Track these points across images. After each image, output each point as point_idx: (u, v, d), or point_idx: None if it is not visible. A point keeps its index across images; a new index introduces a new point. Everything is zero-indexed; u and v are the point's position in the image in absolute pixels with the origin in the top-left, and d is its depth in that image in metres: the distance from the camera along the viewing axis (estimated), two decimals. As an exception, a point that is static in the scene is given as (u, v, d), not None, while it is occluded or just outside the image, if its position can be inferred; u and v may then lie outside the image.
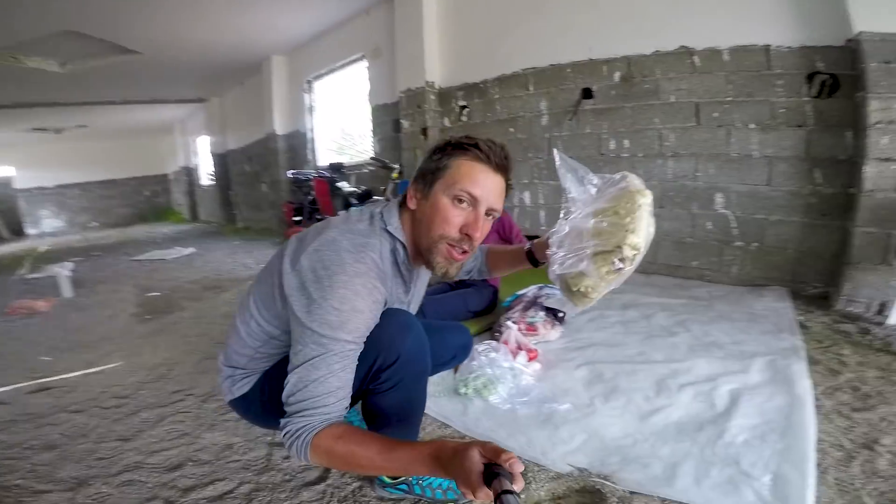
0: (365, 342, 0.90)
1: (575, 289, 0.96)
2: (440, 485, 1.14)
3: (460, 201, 0.94)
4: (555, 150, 1.06)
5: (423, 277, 1.23)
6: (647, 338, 2.17)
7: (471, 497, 0.67)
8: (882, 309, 2.41)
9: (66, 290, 4.10)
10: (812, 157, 2.75)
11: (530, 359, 1.87)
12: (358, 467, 0.84)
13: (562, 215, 1.02)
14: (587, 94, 3.50)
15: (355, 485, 1.22)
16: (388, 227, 0.99)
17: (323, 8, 5.16)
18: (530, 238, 2.59)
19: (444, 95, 4.55)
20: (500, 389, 1.61)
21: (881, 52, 2.37)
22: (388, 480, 1.15)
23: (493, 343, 1.84)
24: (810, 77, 2.72)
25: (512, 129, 4.03)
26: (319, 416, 0.83)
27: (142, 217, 13.63)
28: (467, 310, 2.35)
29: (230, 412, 1.55)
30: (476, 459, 0.67)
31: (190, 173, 12.16)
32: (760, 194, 2.93)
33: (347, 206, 5.11)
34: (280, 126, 7.19)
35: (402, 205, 1.03)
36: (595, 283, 0.94)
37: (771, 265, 2.93)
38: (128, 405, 1.84)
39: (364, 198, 5.21)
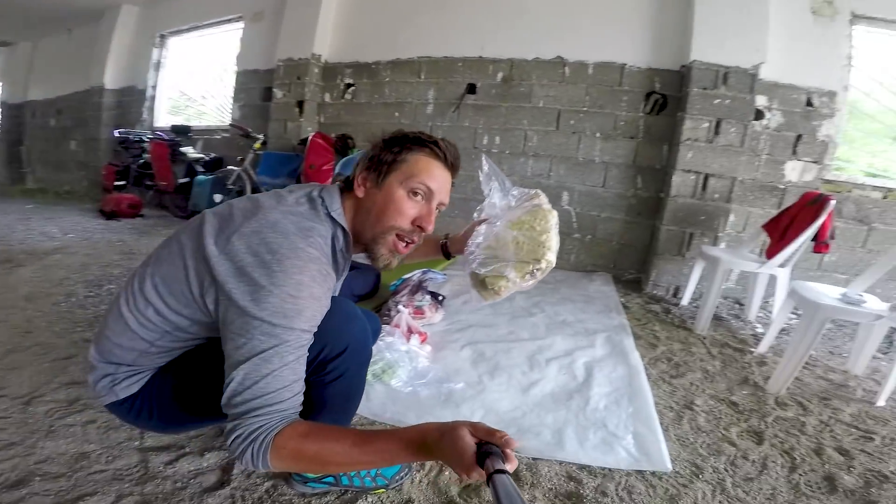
0: None
1: (490, 287, 1.03)
2: (368, 471, 1.07)
3: (415, 194, 0.92)
4: (483, 156, 1.12)
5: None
6: (512, 318, 2.34)
7: (465, 478, 0.63)
8: (677, 292, 3.03)
9: None
10: (637, 165, 3.23)
11: (422, 341, 1.88)
12: (332, 465, 0.75)
13: (476, 216, 1.11)
14: (471, 89, 3.58)
15: (267, 484, 1.08)
16: (332, 213, 0.90)
17: None
18: None
19: (330, 70, 4.21)
20: (399, 373, 1.58)
21: (703, 79, 2.86)
22: (310, 475, 1.04)
23: (387, 327, 1.79)
24: (648, 95, 3.17)
25: (397, 114, 3.92)
26: (277, 415, 0.72)
27: None
28: (352, 293, 2.26)
29: (68, 415, 1.29)
30: (468, 439, 0.64)
31: None
32: (597, 194, 3.35)
33: (192, 173, 4.49)
34: (111, 80, 6.00)
35: (343, 190, 0.95)
36: (509, 286, 1.03)
37: (599, 254, 3.40)
38: None
39: (214, 166, 4.63)
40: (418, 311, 2.11)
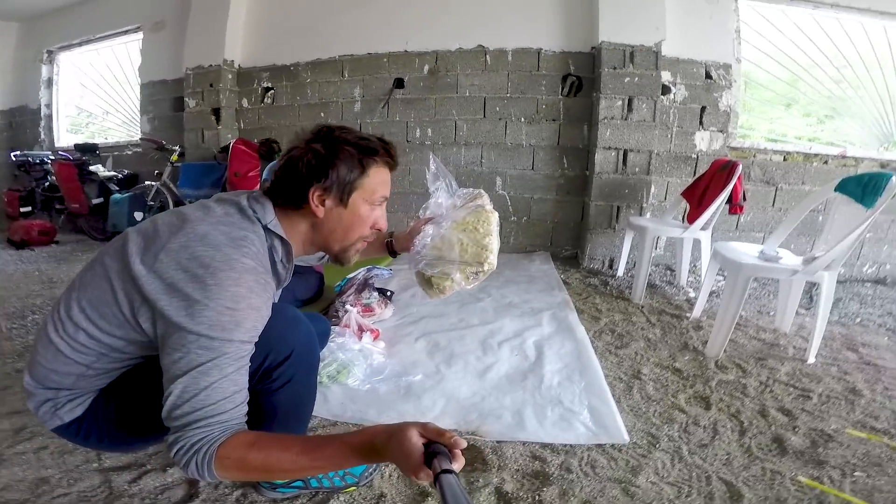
0: None
1: (436, 287, 1.09)
2: (336, 472, 1.06)
3: (374, 206, 0.96)
4: (431, 155, 1.16)
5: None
6: (461, 305, 2.35)
7: (414, 479, 0.63)
8: (612, 264, 3.18)
9: None
10: (562, 147, 3.34)
11: (374, 338, 1.87)
12: (280, 473, 0.74)
13: (421, 214, 1.16)
14: (399, 83, 3.50)
15: (237, 493, 1.05)
16: (267, 224, 0.88)
17: None
18: None
19: (245, 75, 3.96)
20: (355, 371, 1.56)
21: (612, 59, 2.98)
22: (278, 482, 1.02)
23: (336, 328, 1.76)
24: (564, 78, 3.27)
25: (323, 115, 3.76)
26: (218, 426, 0.71)
27: None
28: (295, 298, 2.16)
29: (18, 442, 1.26)
30: (416, 440, 0.64)
31: None
32: (527, 177, 3.43)
33: (106, 192, 4.14)
34: None
35: (281, 206, 0.91)
36: (453, 286, 1.10)
37: (536, 234, 3.49)
38: None
39: (129, 183, 4.30)
40: (367, 309, 2.09)
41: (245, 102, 4.03)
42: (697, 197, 2.59)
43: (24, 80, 5.37)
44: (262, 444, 0.71)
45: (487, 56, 3.36)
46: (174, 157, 3.89)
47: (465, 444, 0.65)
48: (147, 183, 3.99)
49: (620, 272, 2.98)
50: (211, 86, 3.87)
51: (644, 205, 3.11)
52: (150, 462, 1.17)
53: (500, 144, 3.43)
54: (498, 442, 1.25)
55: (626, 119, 3.03)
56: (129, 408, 0.88)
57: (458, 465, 0.61)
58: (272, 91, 3.92)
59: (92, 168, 4.25)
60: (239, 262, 0.77)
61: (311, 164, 0.87)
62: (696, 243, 2.70)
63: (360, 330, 1.85)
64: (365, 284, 2.23)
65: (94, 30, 4.80)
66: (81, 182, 4.18)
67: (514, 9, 3.29)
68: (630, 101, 3.01)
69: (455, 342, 1.91)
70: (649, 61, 2.98)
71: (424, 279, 1.11)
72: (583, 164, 3.32)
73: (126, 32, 4.60)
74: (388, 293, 2.33)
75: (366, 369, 1.60)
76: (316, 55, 3.75)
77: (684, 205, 2.83)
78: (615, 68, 2.99)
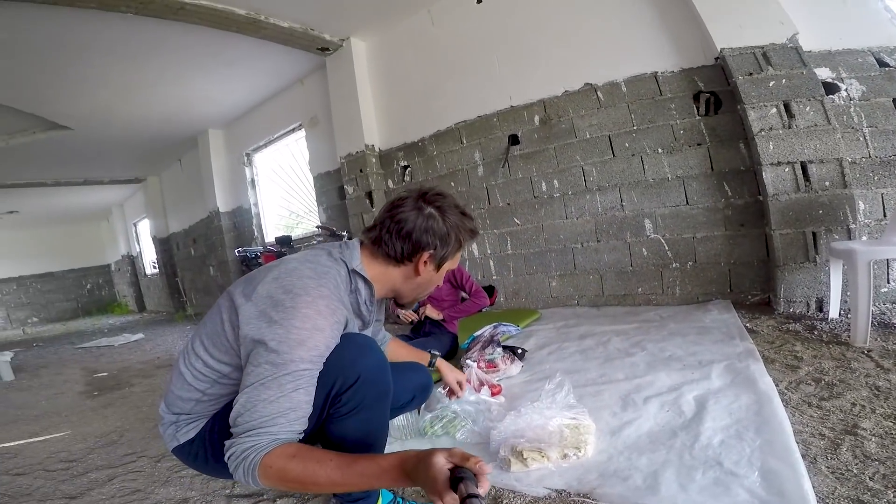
0: (324, 365, 0.88)
1: (527, 458, 1.23)
2: None
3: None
4: (559, 375, 1.56)
5: (377, 314, 1.25)
6: (605, 361, 2.10)
7: (439, 503, 0.65)
8: (821, 305, 2.44)
9: (6, 374, 3.94)
10: (717, 172, 2.88)
11: (493, 394, 1.81)
12: (315, 486, 0.77)
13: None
14: (514, 140, 3.60)
15: None
16: (354, 267, 1.02)
17: (256, 80, 5.11)
18: (484, 288, 2.59)
19: (386, 157, 4.54)
20: (466, 425, 1.54)
21: (744, 66, 2.60)
22: None
23: None
24: (696, 97, 2.92)
25: (453, 184, 4.04)
26: (267, 437, 0.78)
27: (85, 311, 12.57)
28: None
29: (185, 469, 1.53)
30: (442, 465, 0.67)
31: (133, 262, 11.28)
32: (683, 214, 3.01)
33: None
34: (223, 203, 6.71)
35: (368, 251, 1.08)
36: (542, 460, 1.22)
37: (709, 280, 2.95)
38: (76, 468, 1.76)
39: None
40: (491, 365, 2.06)
41: (390, 183, 4.55)
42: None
43: (236, 182, 6.48)
44: (302, 456, 0.77)
45: (598, 93, 3.26)
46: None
47: (490, 470, 0.71)
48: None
49: (834, 313, 2.30)
50: (361, 171, 4.49)
51: (851, 226, 2.41)
52: (267, 493, 1.32)
53: (641, 182, 3.14)
54: None
55: (789, 127, 2.51)
56: (227, 434, 0.95)
57: (483, 489, 0.63)
58: (409, 168, 4.37)
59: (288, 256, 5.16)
60: (315, 289, 0.89)
61: (432, 231, 1.03)
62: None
63: (481, 385, 1.82)
64: (490, 341, 2.24)
65: (271, 130, 5.78)
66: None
67: (610, 39, 3.19)
68: (787, 106, 2.52)
69: (588, 398, 1.69)
70: (791, 59, 2.53)
71: (514, 452, 1.25)
72: (751, 187, 2.80)
73: (293, 131, 5.60)
74: (520, 350, 2.27)
75: (480, 424, 1.55)
76: (435, 128, 4.12)
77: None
78: (751, 74, 2.59)
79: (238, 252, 5.64)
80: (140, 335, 6.14)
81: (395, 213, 1.02)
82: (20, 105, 4.66)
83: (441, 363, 1.55)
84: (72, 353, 5.37)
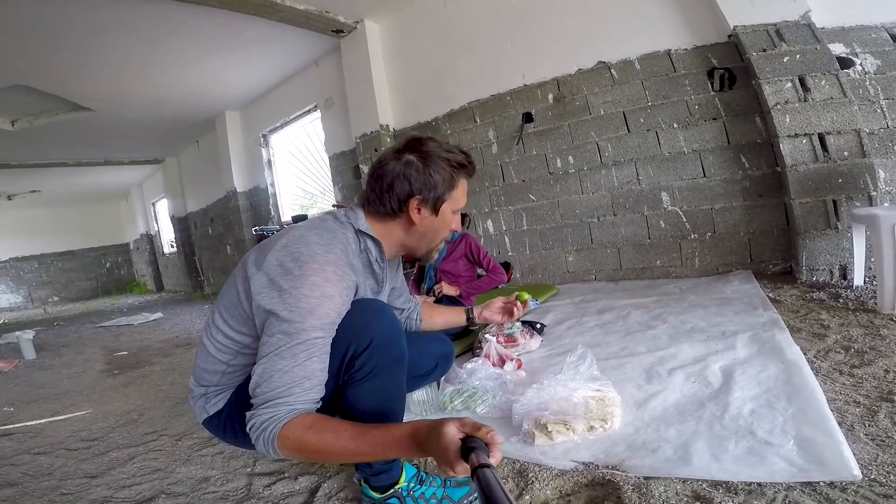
0: (337, 331, 0.87)
1: (551, 430, 1.20)
2: (434, 494, 1.05)
3: (455, 213, 1.09)
4: (588, 351, 1.51)
5: (393, 274, 1.23)
6: (626, 334, 2.08)
7: (451, 473, 0.65)
8: (844, 272, 2.38)
9: (29, 353, 3.99)
10: (734, 145, 2.84)
11: (517, 367, 1.79)
12: (331, 456, 0.79)
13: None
14: (528, 118, 3.56)
15: None
16: (359, 227, 1.01)
17: (272, 62, 5.11)
18: (500, 265, 2.58)
19: (400, 137, 4.49)
20: (487, 399, 1.51)
21: (757, 42, 2.58)
22: (376, 496, 1.05)
23: (475, 359, 1.76)
24: (710, 73, 2.87)
25: None
26: (285, 407, 0.79)
27: (104, 290, 12.68)
28: (445, 332, 2.20)
29: (206, 447, 1.55)
30: (453, 434, 0.67)
31: (151, 241, 11.32)
32: (700, 186, 2.96)
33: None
34: (240, 183, 6.75)
35: (379, 214, 1.04)
36: (568, 433, 1.20)
37: (728, 251, 2.91)
38: (97, 446, 1.76)
39: None
40: (510, 339, 2.03)
41: (405, 163, 4.54)
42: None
43: (253, 163, 6.50)
44: (319, 426, 0.78)
45: (612, 70, 3.20)
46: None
47: (502, 440, 0.68)
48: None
49: (859, 280, 2.25)
50: (375, 150, 4.48)
51: (872, 193, 2.36)
52: (289, 470, 1.31)
53: (657, 157, 3.09)
54: (645, 478, 0.99)
55: (804, 101, 2.47)
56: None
57: (495, 459, 0.63)
58: (423, 147, 4.34)
59: None
60: (322, 255, 0.88)
61: (411, 177, 0.99)
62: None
63: (502, 360, 1.80)
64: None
65: (287, 111, 5.78)
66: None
67: (622, 18, 3.14)
68: (802, 80, 2.48)
69: (611, 371, 1.66)
70: (805, 36, 2.51)
71: (538, 425, 1.22)
72: (768, 159, 2.75)
73: (308, 112, 5.61)
74: (539, 325, 2.25)
75: (500, 398, 1.51)
76: (448, 107, 4.09)
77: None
78: (764, 50, 2.55)
79: (255, 231, 5.60)
80: (159, 314, 6.19)
81: (376, 170, 1.02)
82: (44, 86, 4.74)
83: (478, 309, 1.47)
84: (92, 333, 5.40)
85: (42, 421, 2.17)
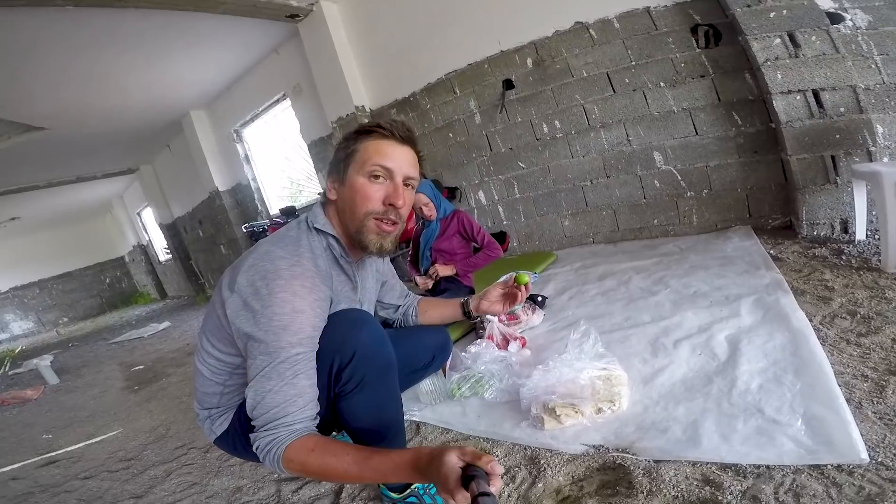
0: (320, 345, 0.88)
1: (559, 414, 1.19)
2: None
3: (376, 177, 0.95)
4: (582, 323, 1.46)
5: (369, 274, 1.20)
6: (629, 302, 2.05)
7: (451, 501, 0.65)
8: (846, 226, 2.35)
9: (51, 378, 4.13)
10: (725, 103, 2.75)
11: (522, 346, 1.78)
12: (334, 478, 0.82)
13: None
14: (509, 84, 3.43)
15: None
16: (316, 225, 0.98)
17: (228, 56, 4.87)
18: (496, 235, 2.53)
19: (378, 116, 4.35)
20: (493, 384, 1.50)
21: None
22: (395, 496, 1.08)
23: (479, 341, 1.74)
24: (694, 30, 2.75)
25: (451, 135, 3.90)
26: (284, 430, 0.80)
27: (110, 305, 12.72)
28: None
29: (233, 458, 1.57)
30: (453, 463, 0.67)
31: (145, 251, 11.31)
32: (693, 145, 2.89)
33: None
34: (221, 182, 6.59)
35: (325, 203, 1.03)
36: (576, 416, 1.19)
37: (726, 207, 2.87)
38: (135, 466, 1.86)
39: None
40: (512, 317, 2.00)
41: (385, 142, 4.41)
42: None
43: (230, 159, 6.30)
44: (321, 450, 0.79)
45: (591, 31, 3.05)
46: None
47: (502, 470, 0.69)
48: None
49: (861, 235, 2.19)
50: None
51: (871, 148, 2.29)
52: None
53: (646, 116, 3.00)
54: (655, 461, 0.99)
55: (795, 57, 2.37)
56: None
57: (495, 488, 0.63)
58: (403, 125, 4.21)
59: None
60: (287, 270, 0.86)
61: (332, 159, 1.02)
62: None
63: (506, 340, 1.76)
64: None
65: (255, 103, 5.57)
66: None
67: None
68: (791, 36, 2.37)
69: (616, 345, 1.64)
70: None
71: (547, 409, 1.21)
72: (762, 116, 2.66)
73: (277, 101, 5.39)
74: (540, 298, 2.20)
75: (506, 380, 1.50)
76: (426, 81, 3.93)
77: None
78: (748, 6, 2.43)
79: (245, 228, 5.56)
80: (167, 323, 6.25)
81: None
82: None
83: (475, 300, 1.39)
84: (107, 350, 5.54)
85: (80, 445, 2.29)
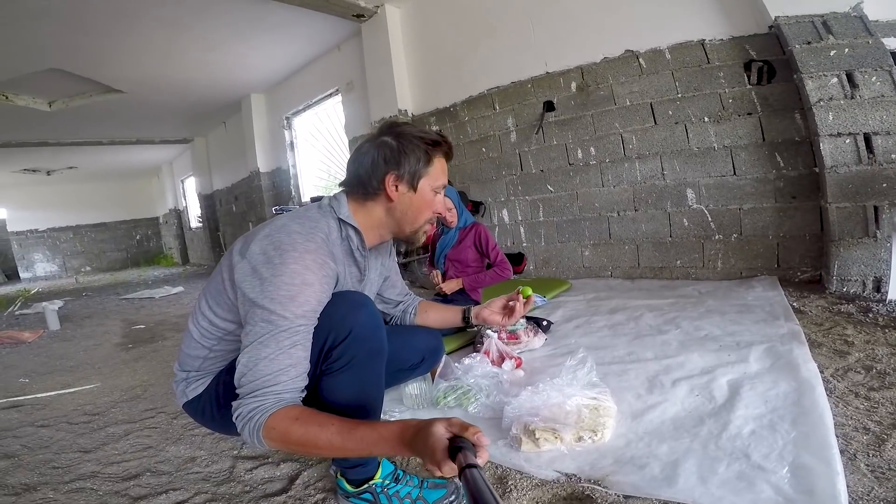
0: (318, 320, 0.89)
1: (539, 438, 1.16)
2: (409, 493, 1.04)
3: (437, 192, 1.08)
4: (589, 358, 1.46)
5: (375, 267, 1.23)
6: (635, 338, 2.00)
7: (437, 472, 0.66)
8: (879, 285, 2.24)
9: (53, 324, 4.09)
10: (769, 143, 2.67)
11: (518, 366, 1.75)
12: (315, 449, 0.79)
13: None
14: (549, 106, 3.46)
15: (319, 496, 1.13)
16: (340, 215, 1.02)
17: (295, 46, 5.20)
18: (514, 256, 2.52)
19: (418, 122, 4.46)
20: (480, 398, 1.48)
21: (801, 34, 2.40)
22: (350, 489, 1.05)
23: (474, 354, 1.72)
24: (747, 66, 2.69)
25: (484, 149, 3.96)
26: (272, 397, 0.80)
27: (133, 261, 13.29)
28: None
29: (198, 427, 1.54)
30: (441, 434, 0.67)
31: (179, 216, 11.94)
32: (729, 185, 2.82)
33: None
34: (263, 164, 6.99)
35: (352, 193, 1.06)
36: (555, 442, 1.16)
37: (754, 254, 2.77)
38: (96, 421, 1.81)
39: None
40: (512, 336, 1.97)
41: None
42: None
43: (276, 144, 6.74)
44: (305, 419, 0.78)
45: (640, 59, 3.05)
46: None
47: (489, 441, 0.68)
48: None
49: (893, 294, 2.10)
50: None
51: None
52: (273, 456, 1.33)
53: (684, 151, 2.95)
54: (626, 497, 0.95)
55: (851, 98, 2.29)
56: (231, 390, 0.96)
57: (482, 460, 0.64)
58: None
59: None
60: (302, 244, 0.89)
61: (385, 155, 1.01)
62: None
63: (502, 357, 1.75)
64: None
65: (310, 94, 5.93)
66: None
67: (652, 5, 2.97)
68: (850, 76, 2.29)
69: (613, 377, 1.60)
70: (855, 28, 2.31)
71: (527, 430, 1.19)
72: (806, 159, 2.58)
73: (330, 95, 5.70)
74: (545, 322, 2.18)
75: (493, 397, 1.48)
76: (467, 93, 4.02)
77: None
78: (809, 43, 2.37)
79: (275, 210, 5.72)
80: (180, 288, 6.32)
81: (355, 153, 1.06)
82: (78, 70, 4.97)
83: (477, 308, 1.44)
84: (116, 304, 5.57)
85: (51, 393, 2.23)
